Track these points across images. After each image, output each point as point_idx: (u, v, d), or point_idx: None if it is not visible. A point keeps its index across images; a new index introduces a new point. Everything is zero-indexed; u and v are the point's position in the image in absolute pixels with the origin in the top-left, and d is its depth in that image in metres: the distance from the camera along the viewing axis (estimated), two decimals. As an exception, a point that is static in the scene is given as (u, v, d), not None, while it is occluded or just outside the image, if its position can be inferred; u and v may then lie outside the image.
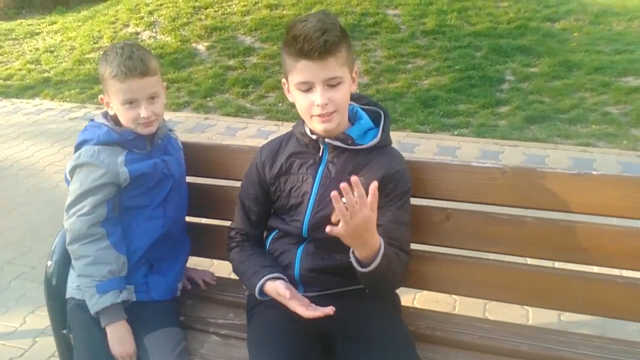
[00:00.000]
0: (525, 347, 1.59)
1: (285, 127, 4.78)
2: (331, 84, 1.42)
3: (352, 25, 6.80)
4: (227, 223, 1.75)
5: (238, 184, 1.72)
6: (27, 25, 9.56)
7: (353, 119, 1.57)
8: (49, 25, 9.40)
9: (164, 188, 1.71)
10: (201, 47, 6.97)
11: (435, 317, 1.73)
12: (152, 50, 6.79)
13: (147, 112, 1.62)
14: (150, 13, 7.94)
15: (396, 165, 1.52)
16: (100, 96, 1.71)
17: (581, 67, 5.72)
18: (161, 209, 1.71)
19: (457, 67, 5.90)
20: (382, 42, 6.54)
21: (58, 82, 6.67)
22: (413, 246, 1.68)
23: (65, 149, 4.71)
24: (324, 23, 1.38)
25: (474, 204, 1.65)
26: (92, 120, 1.72)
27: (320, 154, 1.54)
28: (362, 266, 1.34)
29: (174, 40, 7.14)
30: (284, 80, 1.52)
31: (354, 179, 1.19)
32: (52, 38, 8.48)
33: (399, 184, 1.51)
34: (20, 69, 7.20)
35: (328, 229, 1.24)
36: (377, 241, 1.32)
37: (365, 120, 1.56)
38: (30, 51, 8.00)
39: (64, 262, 1.73)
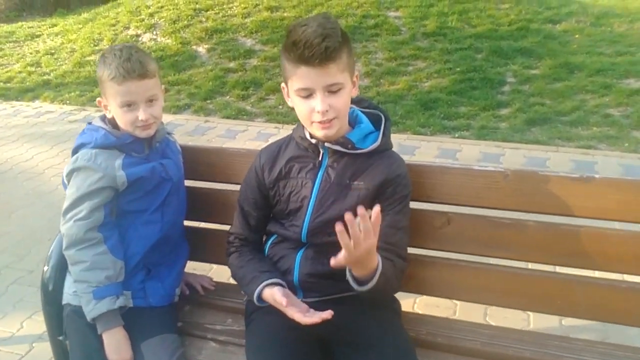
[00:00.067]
0: (527, 354, 1.56)
1: (286, 130, 4.77)
2: (332, 90, 1.39)
3: (353, 27, 6.79)
4: (226, 227, 1.74)
5: (237, 187, 1.71)
6: (28, 27, 9.58)
7: (353, 122, 1.55)
8: (49, 27, 9.41)
9: (162, 192, 1.69)
10: (201, 49, 6.97)
11: (436, 323, 1.71)
12: (153, 53, 6.83)
13: (145, 114, 1.60)
14: (151, 15, 7.94)
15: (397, 169, 1.51)
16: (98, 99, 1.70)
17: (582, 69, 5.71)
18: (159, 213, 1.69)
19: (458, 69, 5.89)
20: (382, 44, 6.53)
21: (58, 85, 6.67)
22: (413, 251, 1.66)
23: (64, 151, 4.69)
24: (325, 28, 1.35)
25: (475, 207, 1.63)
26: (89, 123, 1.71)
27: (320, 158, 1.52)
28: (359, 284, 1.34)
29: (174, 43, 7.14)
30: (283, 84, 1.50)
31: (361, 211, 1.16)
32: (52, 40, 8.48)
33: (399, 188, 1.49)
34: (20, 72, 7.20)
35: (332, 262, 1.23)
36: (375, 260, 1.32)
37: (366, 124, 1.54)
38: (31, 53, 8.00)
39: (61, 268, 1.72)
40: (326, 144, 1.48)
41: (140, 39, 7.50)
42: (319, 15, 1.41)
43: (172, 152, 1.77)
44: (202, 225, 1.96)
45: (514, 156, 4.21)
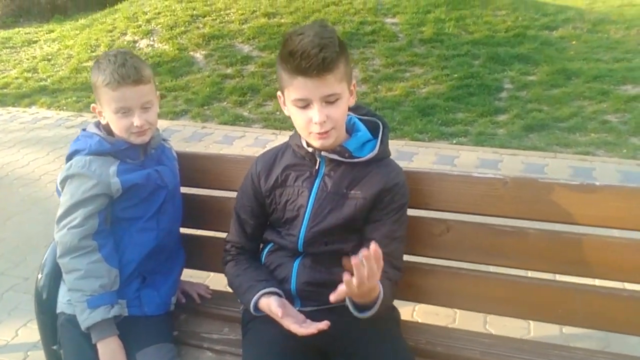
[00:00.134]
0: (527, 363, 1.55)
1: (283, 136, 4.75)
2: (329, 100, 1.37)
3: (350, 34, 6.80)
4: (223, 234, 1.72)
5: (233, 194, 1.69)
6: (25, 33, 9.56)
7: (351, 130, 1.53)
8: (46, 33, 9.39)
9: (158, 199, 1.67)
10: (199, 55, 6.96)
11: (435, 332, 1.69)
12: (150, 59, 6.83)
13: (140, 120, 1.58)
14: (148, 21, 7.93)
15: (394, 178, 1.49)
16: (93, 105, 1.68)
17: (580, 76, 5.72)
18: (154, 221, 1.67)
19: (455, 75, 5.89)
20: (380, 50, 6.53)
21: (55, 91, 6.64)
22: (412, 259, 1.65)
23: (61, 158, 4.66)
24: (322, 37, 1.32)
25: (474, 215, 1.61)
26: (84, 129, 1.69)
27: (316, 167, 1.50)
28: (359, 311, 1.34)
29: (171, 49, 7.13)
30: (279, 93, 1.48)
31: (365, 253, 1.14)
32: (49, 46, 8.46)
33: (396, 197, 1.48)
34: (17, 77, 7.17)
35: (332, 298, 1.22)
36: (377, 291, 1.31)
37: (363, 133, 1.52)
38: (28, 59, 7.98)
39: (55, 276, 1.69)
40: (323, 153, 1.46)
41: (137, 45, 7.48)
42: (315, 23, 1.38)
43: (168, 158, 1.75)
44: (199, 232, 1.94)
45: (512, 162, 4.20)
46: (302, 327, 1.33)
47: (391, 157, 1.55)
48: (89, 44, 7.85)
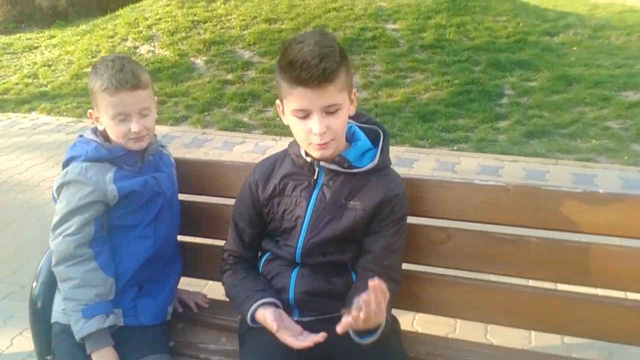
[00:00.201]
0: (528, 374, 1.52)
1: (284, 142, 4.73)
2: (329, 111, 1.34)
3: (351, 40, 6.79)
4: (221, 242, 1.70)
5: (232, 201, 1.67)
6: (26, 39, 9.57)
7: (350, 138, 1.51)
8: (47, 39, 9.40)
9: (155, 206, 1.65)
10: (199, 61, 6.96)
11: (435, 342, 1.67)
12: (150, 65, 6.83)
13: (138, 126, 1.56)
14: (149, 27, 7.94)
15: (395, 189, 1.46)
16: (90, 111, 1.66)
17: (581, 82, 5.70)
18: (152, 228, 1.65)
19: (456, 81, 5.88)
20: (380, 56, 6.52)
21: (55, 96, 6.64)
22: (413, 267, 1.63)
23: (60, 164, 4.60)
24: (322, 47, 1.29)
25: (476, 223, 1.59)
26: (81, 136, 1.67)
27: (315, 177, 1.47)
28: (360, 336, 1.32)
29: (172, 55, 7.13)
30: (278, 102, 1.45)
31: (372, 284, 1.13)
32: (50, 52, 8.47)
33: (396, 208, 1.45)
34: (17, 83, 7.17)
35: (338, 329, 1.19)
36: (381, 316, 1.28)
37: (363, 142, 1.49)
38: (28, 65, 7.98)
39: (50, 284, 1.67)
40: (322, 163, 1.44)
41: (138, 50, 7.48)
42: (315, 32, 1.35)
43: (166, 165, 1.73)
44: (196, 240, 1.92)
45: (513, 169, 4.17)
46: (299, 339, 1.31)
47: (392, 164, 1.53)
48: (89, 49, 7.86)
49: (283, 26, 7.35)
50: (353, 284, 1.48)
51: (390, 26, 7.20)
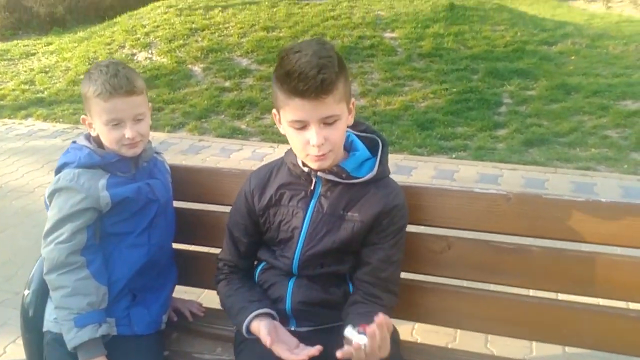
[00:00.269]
0: (530, 386, 1.50)
1: (281, 149, 4.71)
2: (327, 122, 1.31)
3: (349, 48, 6.80)
4: (217, 250, 1.67)
5: (228, 209, 1.64)
6: (23, 45, 9.56)
7: (348, 148, 1.47)
8: (44, 46, 9.39)
9: (149, 213, 1.62)
10: (197, 68, 6.95)
11: (435, 352, 1.65)
12: (148, 72, 6.81)
13: (132, 132, 1.54)
14: (147, 34, 7.94)
15: (394, 200, 1.43)
16: (82, 117, 1.64)
17: (579, 91, 5.70)
18: (145, 236, 1.62)
19: (455, 89, 5.87)
20: (378, 64, 6.52)
21: (51, 103, 6.61)
22: (412, 276, 1.61)
23: (55, 170, 4.61)
24: (320, 57, 1.25)
25: (476, 232, 1.57)
26: (74, 142, 1.64)
27: (312, 187, 1.44)
28: None
29: (169, 62, 7.11)
30: (274, 111, 1.41)
31: (378, 321, 1.11)
32: (47, 59, 8.45)
33: (395, 219, 1.42)
34: (14, 89, 7.15)
35: (339, 354, 1.16)
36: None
37: (362, 152, 1.46)
38: (25, 71, 7.96)
39: (42, 293, 1.64)
40: (319, 173, 1.41)
41: (135, 57, 7.47)
42: (313, 41, 1.31)
43: (160, 172, 1.71)
44: (192, 248, 1.89)
45: (512, 177, 4.15)
46: (294, 353, 1.28)
47: (391, 172, 1.50)
48: (87, 56, 7.84)
49: (281, 34, 7.35)
50: (350, 296, 1.45)
51: (388, 35, 7.20)
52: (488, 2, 8.42)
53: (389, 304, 1.41)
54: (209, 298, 2.08)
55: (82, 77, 7.19)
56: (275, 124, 1.36)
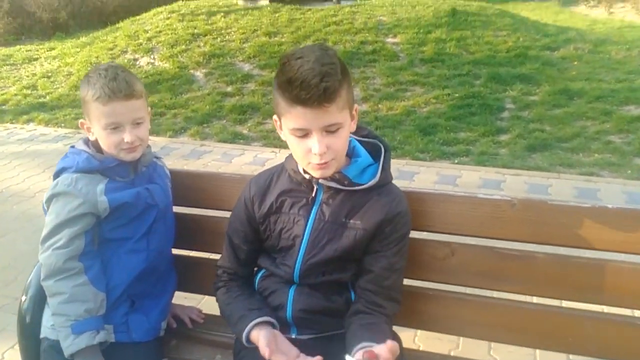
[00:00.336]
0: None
1: (283, 154, 4.69)
2: (330, 130, 1.28)
3: (351, 53, 6.80)
4: (217, 256, 1.64)
5: (229, 214, 1.61)
6: (26, 50, 9.60)
7: (351, 154, 1.44)
8: (47, 51, 9.43)
9: (148, 218, 1.60)
10: (199, 73, 6.95)
11: (438, 361, 1.61)
12: (150, 77, 6.82)
13: (131, 136, 1.52)
14: (149, 40, 7.95)
15: (397, 207, 1.40)
16: (81, 121, 1.62)
17: (582, 96, 5.69)
18: (144, 241, 1.60)
19: (457, 95, 5.86)
20: (380, 69, 6.52)
21: (53, 107, 6.63)
22: (415, 283, 1.58)
23: (57, 175, 4.60)
24: (323, 64, 1.22)
25: (480, 238, 1.54)
26: (72, 146, 1.62)
27: (313, 194, 1.41)
28: None
29: (172, 67, 7.12)
30: (275, 117, 1.38)
31: (389, 346, 1.12)
32: (49, 64, 8.47)
33: (398, 227, 1.39)
34: (16, 94, 7.16)
35: None
36: None
37: (364, 158, 1.43)
38: (27, 76, 7.98)
39: (40, 299, 1.62)
40: (320, 181, 1.38)
41: (137, 62, 7.48)
42: (315, 46, 1.27)
43: (160, 176, 1.69)
44: (191, 253, 1.87)
45: (515, 182, 4.13)
46: None
47: (393, 178, 1.47)
48: (89, 61, 7.85)
49: (283, 39, 7.36)
50: (352, 304, 1.42)
51: (390, 40, 7.20)
52: (490, 7, 8.43)
53: (392, 312, 1.38)
54: (209, 304, 2.06)
55: (83, 81, 7.17)
56: (276, 130, 1.35)
